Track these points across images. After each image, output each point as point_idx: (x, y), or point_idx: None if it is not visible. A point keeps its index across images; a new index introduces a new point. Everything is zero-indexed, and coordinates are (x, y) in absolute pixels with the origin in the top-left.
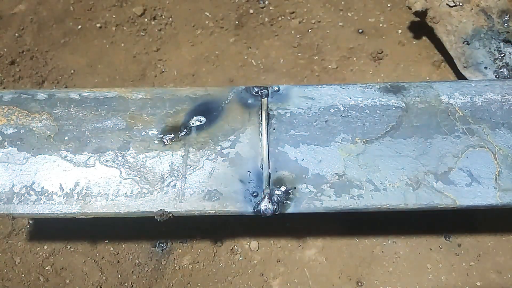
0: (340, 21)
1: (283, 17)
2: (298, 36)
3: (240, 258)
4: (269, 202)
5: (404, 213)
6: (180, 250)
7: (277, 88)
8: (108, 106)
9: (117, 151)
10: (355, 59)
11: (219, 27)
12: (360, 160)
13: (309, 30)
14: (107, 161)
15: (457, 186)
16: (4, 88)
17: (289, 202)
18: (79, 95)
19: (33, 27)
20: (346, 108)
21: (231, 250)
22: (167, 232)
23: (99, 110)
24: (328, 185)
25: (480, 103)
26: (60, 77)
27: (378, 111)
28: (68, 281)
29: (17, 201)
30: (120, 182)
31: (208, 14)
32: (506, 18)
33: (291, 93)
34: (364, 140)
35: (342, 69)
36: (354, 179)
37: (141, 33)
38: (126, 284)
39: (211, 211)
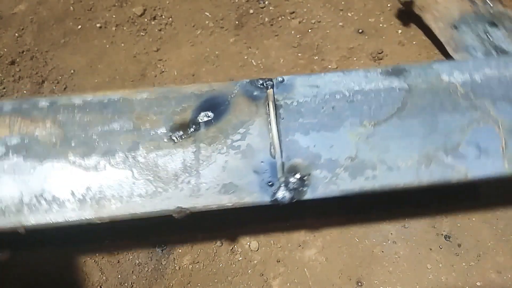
0: (340, 21)
1: (283, 17)
2: (298, 36)
3: (240, 258)
4: (286, 190)
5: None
6: (180, 250)
7: (281, 79)
8: (113, 109)
9: (127, 153)
10: (355, 59)
11: (219, 27)
12: (371, 142)
13: (309, 30)
14: (117, 163)
15: (466, 159)
16: (4, 88)
17: (305, 189)
18: (82, 100)
19: (33, 27)
20: (351, 93)
21: (231, 250)
22: (167, 232)
23: (104, 113)
24: (342, 168)
25: (480, 80)
26: (60, 77)
27: (382, 94)
28: (68, 281)
29: (28, 212)
30: (133, 183)
31: (208, 14)
32: (489, 1)
33: (295, 83)
34: (373, 123)
35: (342, 69)
36: (366, 161)
37: (141, 33)
38: (126, 284)
39: (229, 204)
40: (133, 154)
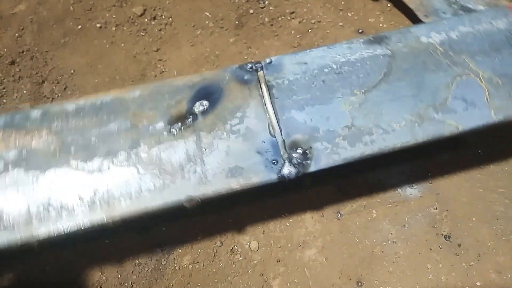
0: (340, 21)
1: (283, 17)
2: (298, 36)
3: (240, 258)
4: (291, 165)
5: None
6: (180, 250)
7: (269, 60)
8: (108, 110)
9: (128, 151)
10: None
11: (219, 27)
12: (364, 109)
13: (309, 30)
14: (121, 162)
15: (455, 113)
16: (4, 88)
17: (309, 162)
18: (75, 105)
19: (33, 27)
20: (338, 66)
21: (231, 250)
22: (167, 232)
23: (99, 115)
24: (341, 138)
25: (456, 37)
26: (60, 77)
27: (368, 62)
28: (68, 281)
29: (37, 221)
30: (140, 179)
31: (208, 14)
32: None
33: (284, 62)
34: (363, 90)
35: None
36: (363, 127)
37: (141, 33)
38: (126, 284)
39: (237, 186)
40: (135, 151)
